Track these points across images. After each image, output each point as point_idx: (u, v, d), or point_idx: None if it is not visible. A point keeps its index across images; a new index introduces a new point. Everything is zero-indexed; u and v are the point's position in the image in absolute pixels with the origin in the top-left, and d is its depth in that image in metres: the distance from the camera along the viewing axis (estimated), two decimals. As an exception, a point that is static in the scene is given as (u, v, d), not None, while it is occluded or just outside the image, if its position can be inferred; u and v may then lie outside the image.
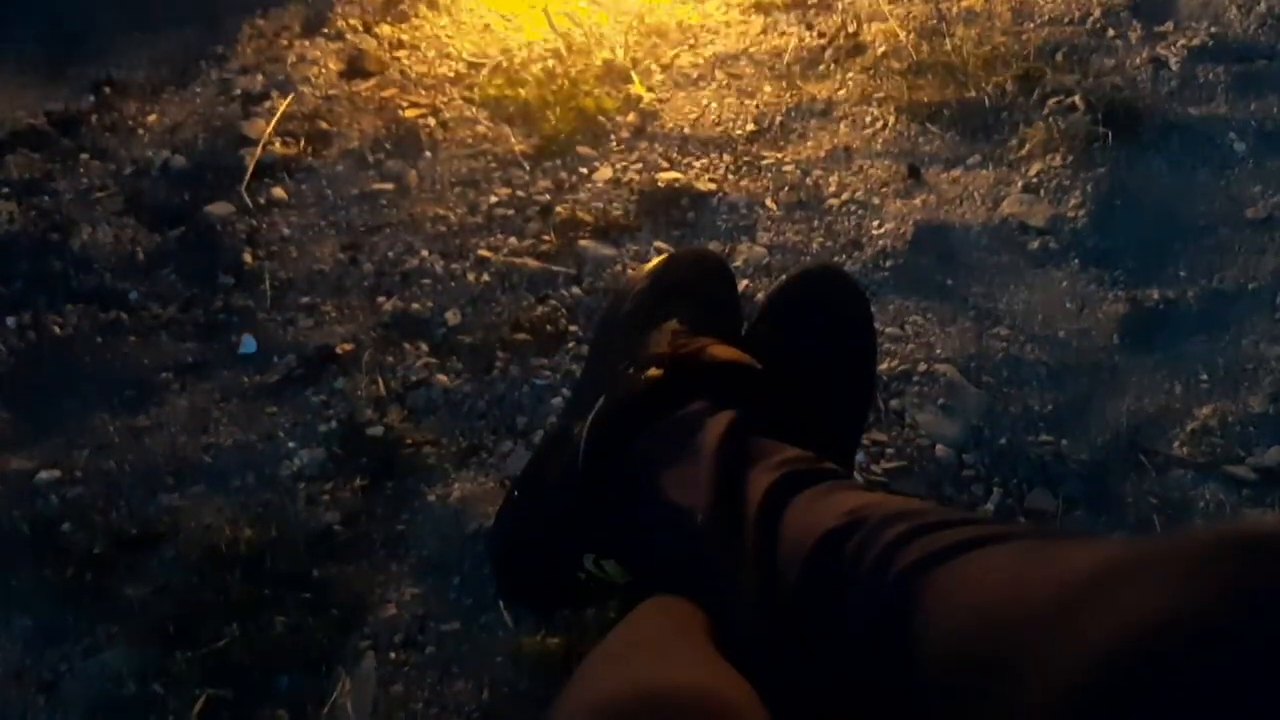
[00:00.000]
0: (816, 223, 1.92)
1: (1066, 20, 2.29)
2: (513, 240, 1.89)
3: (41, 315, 1.78)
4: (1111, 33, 2.25)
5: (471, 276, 1.83)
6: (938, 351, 1.70)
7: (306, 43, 2.30)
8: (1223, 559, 0.63)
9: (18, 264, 1.87)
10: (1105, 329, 1.73)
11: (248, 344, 1.75)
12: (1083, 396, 1.65)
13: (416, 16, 2.38)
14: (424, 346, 1.73)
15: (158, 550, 1.49)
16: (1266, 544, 0.63)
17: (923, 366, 1.67)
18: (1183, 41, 2.20)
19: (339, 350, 1.72)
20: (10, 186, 2.01)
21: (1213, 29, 2.23)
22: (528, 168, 2.03)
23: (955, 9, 2.34)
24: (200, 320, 1.79)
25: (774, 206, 1.95)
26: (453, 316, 1.77)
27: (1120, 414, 1.63)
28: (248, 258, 1.87)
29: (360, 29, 2.34)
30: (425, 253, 1.88)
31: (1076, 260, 1.83)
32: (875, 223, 1.90)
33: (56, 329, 1.77)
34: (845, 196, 1.96)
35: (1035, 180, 1.95)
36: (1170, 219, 1.89)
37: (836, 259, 1.84)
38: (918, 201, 1.94)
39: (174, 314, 1.79)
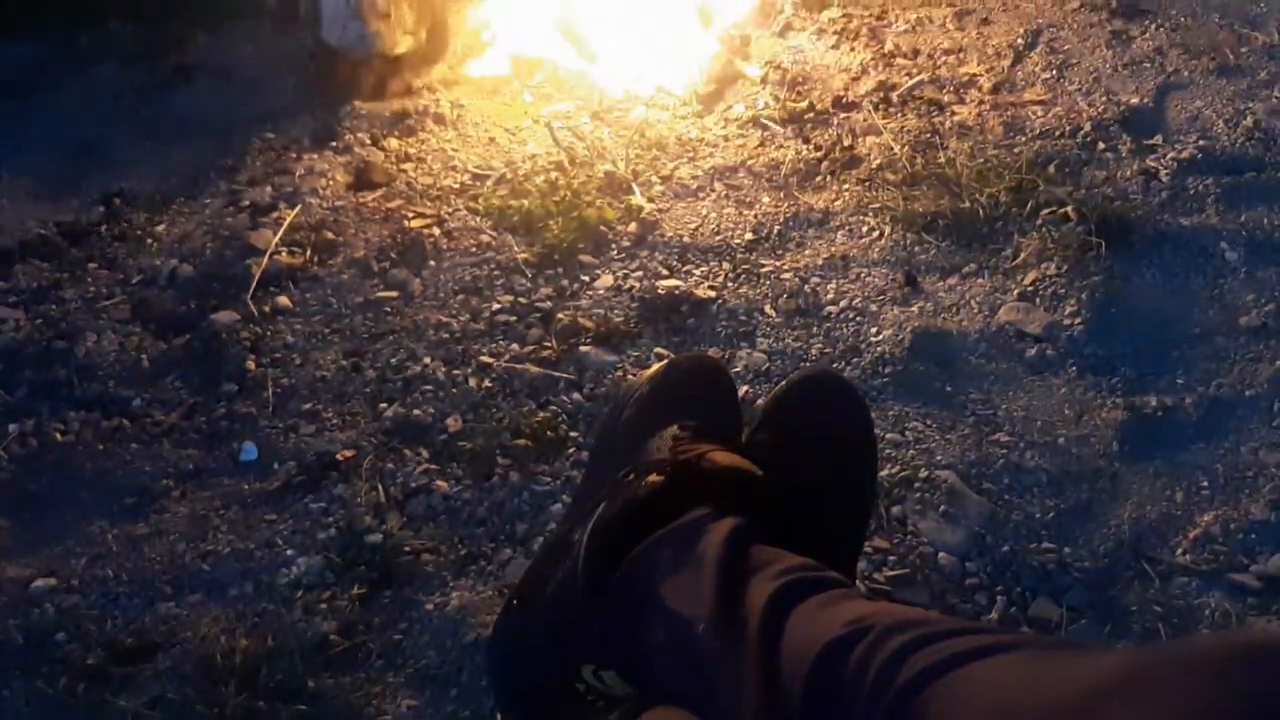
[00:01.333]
0: (815, 329, 1.93)
1: (1058, 134, 2.34)
2: (514, 346, 1.91)
3: (44, 422, 1.79)
4: (1102, 146, 2.30)
5: (473, 382, 1.84)
6: (938, 458, 1.70)
7: (315, 156, 2.35)
8: (1231, 671, 0.62)
9: (22, 371, 1.88)
10: (1105, 435, 1.74)
11: (249, 451, 1.75)
12: (1084, 503, 1.65)
13: (423, 130, 2.44)
14: (424, 453, 1.73)
15: (153, 661, 1.47)
16: (1274, 654, 0.62)
17: (924, 473, 1.67)
18: (1172, 154, 2.25)
19: (340, 457, 1.72)
20: (18, 295, 2.03)
21: (1201, 142, 2.28)
22: (530, 275, 2.06)
23: (948, 123, 2.40)
24: (202, 427, 1.79)
25: (773, 313, 1.97)
26: (454, 422, 1.78)
27: (1122, 521, 1.62)
28: (251, 365, 1.88)
29: (368, 142, 2.40)
30: (427, 359, 1.89)
31: (1074, 367, 1.84)
32: (874, 329, 1.92)
33: (58, 436, 1.77)
34: (843, 304, 1.98)
35: (1031, 288, 1.97)
36: (1166, 327, 1.91)
37: (836, 365, 1.86)
38: (915, 309, 1.96)
39: (176, 421, 1.80)
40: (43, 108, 2.61)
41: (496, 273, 2.07)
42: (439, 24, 2.56)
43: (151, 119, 2.55)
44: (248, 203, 2.22)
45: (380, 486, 1.67)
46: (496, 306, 1.99)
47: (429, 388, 1.84)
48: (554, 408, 1.79)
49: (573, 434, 1.75)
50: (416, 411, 1.80)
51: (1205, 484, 1.67)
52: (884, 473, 1.67)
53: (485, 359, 1.88)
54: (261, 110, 2.52)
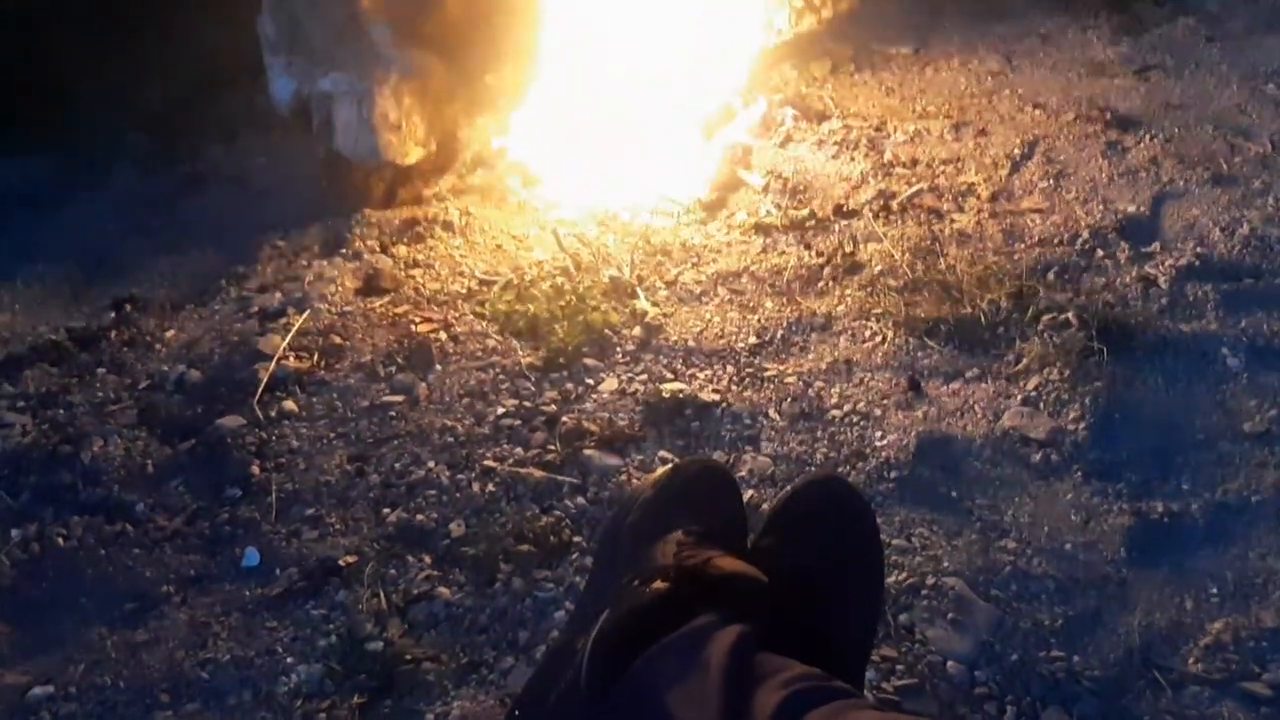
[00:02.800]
0: (820, 433, 1.94)
1: (1056, 241, 2.38)
2: (518, 450, 1.91)
3: (47, 527, 1.79)
4: (1100, 253, 2.33)
5: (477, 487, 1.84)
6: (945, 564, 1.69)
7: (324, 262, 2.39)
8: None
9: (27, 476, 1.88)
10: (1111, 542, 1.73)
11: (251, 557, 1.74)
12: (1092, 611, 1.63)
13: (432, 237, 2.48)
14: (427, 558, 1.72)
15: (147, 772, 1.44)
16: None
17: (931, 580, 1.66)
18: (1170, 261, 2.28)
19: (342, 563, 1.71)
20: (26, 400, 2.05)
21: (1198, 249, 2.31)
22: (535, 379, 2.07)
23: (948, 230, 2.43)
24: (205, 532, 1.79)
25: (777, 417, 1.97)
26: (457, 528, 1.77)
27: (1132, 629, 1.60)
28: (255, 470, 1.88)
29: (377, 249, 2.44)
30: (432, 464, 1.89)
31: (1079, 473, 1.84)
32: (878, 434, 1.93)
33: (60, 541, 1.77)
34: (847, 408, 1.99)
35: (1034, 394, 1.98)
36: (1170, 432, 1.91)
37: (841, 470, 1.85)
38: (919, 413, 1.97)
39: (179, 526, 1.80)
40: (58, 216, 2.66)
41: (501, 377, 2.08)
42: (449, 135, 2.62)
43: (165, 227, 2.59)
44: (257, 308, 2.25)
45: (382, 593, 1.66)
46: (501, 410, 2.00)
47: (432, 492, 1.84)
48: (557, 512, 1.79)
49: (576, 539, 1.75)
50: (420, 516, 1.79)
51: (1215, 591, 1.65)
52: (891, 579, 1.65)
53: (489, 463, 1.88)
54: (273, 218, 2.56)
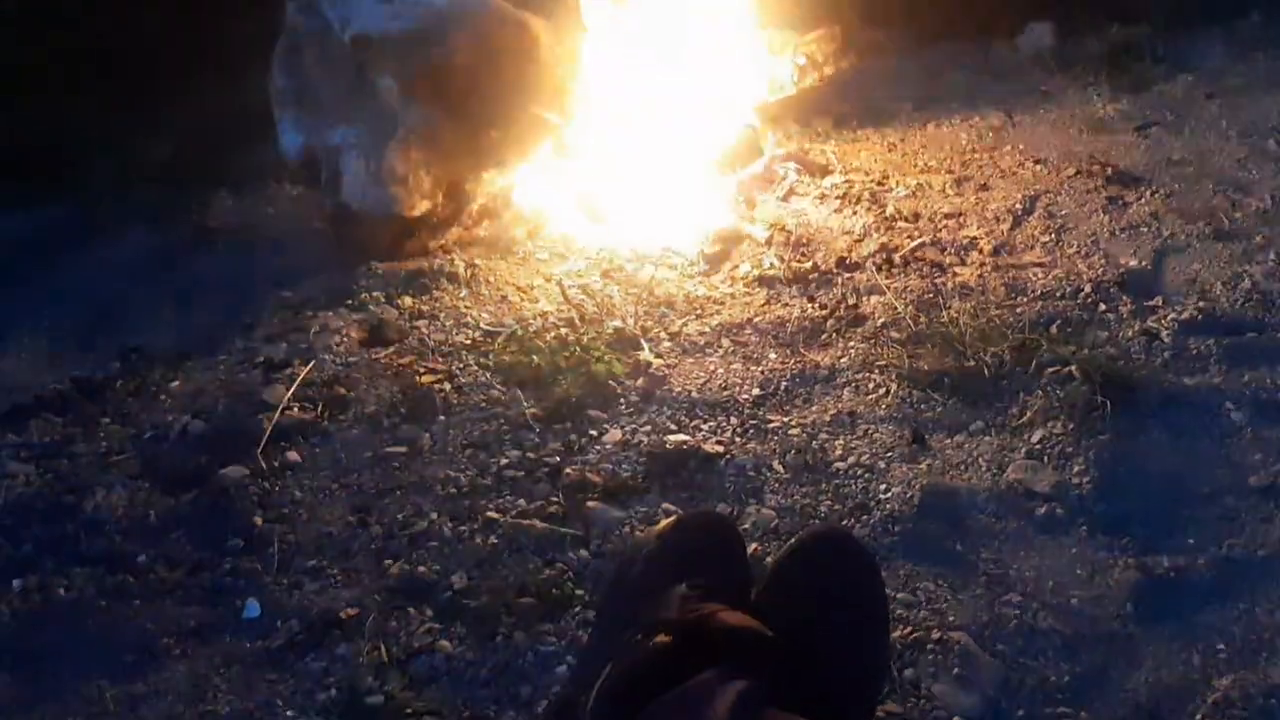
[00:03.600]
0: (824, 486, 1.93)
1: (1059, 295, 2.38)
2: (521, 502, 1.90)
3: (48, 578, 1.78)
4: (1103, 307, 2.33)
5: (479, 539, 1.84)
6: (950, 619, 1.68)
7: (330, 313, 2.40)
8: None
9: (30, 526, 1.88)
10: (1118, 597, 1.71)
11: (252, 608, 1.73)
12: (1099, 667, 1.61)
13: (438, 289, 2.50)
14: (429, 611, 1.71)
15: (143, 828, 1.42)
16: None
17: (936, 634, 1.64)
18: (1172, 315, 2.28)
19: (343, 615, 1.70)
20: (30, 450, 2.05)
21: (1200, 303, 2.31)
22: (538, 430, 2.07)
23: (950, 284, 2.44)
24: (206, 584, 1.78)
25: (781, 469, 1.97)
26: (459, 580, 1.76)
27: (1139, 685, 1.58)
28: (258, 520, 1.88)
29: (383, 300, 2.45)
30: (434, 515, 1.89)
31: (1084, 527, 1.83)
32: (882, 487, 1.92)
33: (62, 591, 1.76)
34: (851, 460, 1.98)
35: (1038, 447, 1.97)
36: (1175, 486, 1.90)
37: (845, 523, 1.85)
38: (923, 466, 1.96)
39: (181, 577, 1.79)
40: (66, 267, 2.68)
41: (505, 428, 2.08)
42: (455, 188, 2.65)
43: (172, 278, 2.61)
44: (262, 359, 2.26)
45: (383, 646, 1.65)
46: (504, 461, 1.99)
47: (435, 544, 1.83)
48: (560, 565, 1.78)
49: (579, 592, 1.73)
50: (422, 568, 1.78)
51: (1222, 647, 1.63)
52: (896, 634, 1.64)
53: (492, 515, 1.88)
54: (280, 270, 2.58)
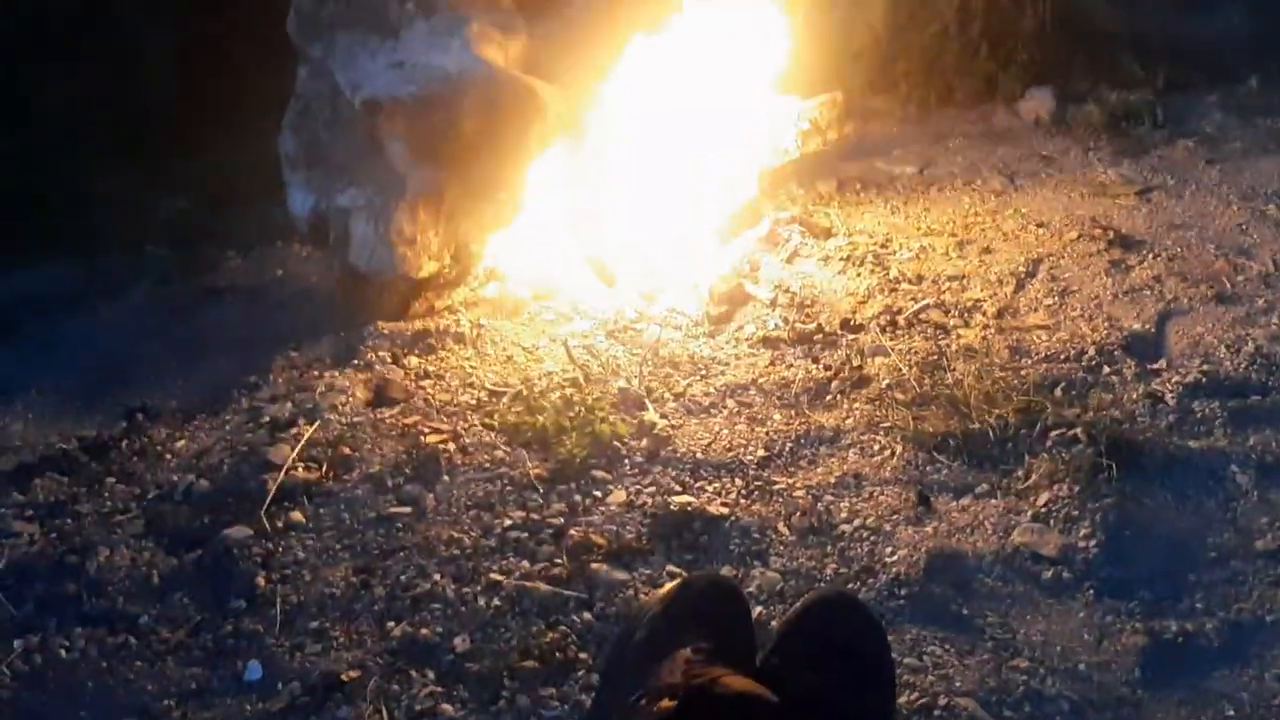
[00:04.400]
0: (829, 548, 1.93)
1: (1063, 357, 2.39)
2: (525, 564, 1.90)
3: (50, 638, 1.77)
4: (1107, 370, 2.34)
5: (482, 601, 1.83)
6: (957, 684, 1.66)
7: (336, 373, 2.41)
8: None
9: (33, 586, 1.88)
10: (1126, 662, 1.70)
11: (253, 670, 1.72)
12: (1110, 734, 1.60)
13: (443, 349, 2.51)
14: (431, 674, 1.70)
15: None
16: None
17: (943, 700, 1.63)
18: (1176, 378, 2.29)
19: (345, 677, 1.69)
20: (35, 509, 2.05)
21: (1204, 367, 2.32)
22: (542, 491, 2.07)
23: (954, 346, 2.45)
24: (208, 645, 1.77)
25: (786, 531, 1.96)
26: (461, 643, 1.75)
27: (1150, 753, 1.56)
28: (261, 581, 1.87)
29: (389, 360, 2.46)
30: (437, 576, 1.88)
31: (1091, 590, 1.82)
32: (888, 549, 1.91)
33: (63, 652, 1.75)
34: (857, 523, 1.98)
35: (1044, 510, 1.97)
36: (1181, 550, 1.89)
37: (850, 586, 1.84)
38: (929, 529, 1.96)
39: (182, 638, 1.78)
40: (74, 326, 2.70)
41: (509, 488, 2.08)
42: (462, 248, 2.67)
43: (180, 337, 2.63)
44: (268, 419, 2.26)
45: (384, 710, 1.63)
46: (508, 522, 1.99)
47: (438, 606, 1.82)
48: (563, 627, 1.77)
49: (582, 655, 1.72)
50: (424, 631, 1.77)
51: (1231, 713, 1.62)
52: (902, 699, 1.62)
53: (495, 576, 1.87)
54: (288, 329, 2.60)
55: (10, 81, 3.40)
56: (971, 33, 3.77)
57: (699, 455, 2.16)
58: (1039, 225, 2.96)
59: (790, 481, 2.09)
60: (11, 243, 2.97)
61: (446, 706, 1.64)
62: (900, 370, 2.36)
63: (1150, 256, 2.77)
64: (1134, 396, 2.25)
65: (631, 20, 2.76)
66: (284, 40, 2.63)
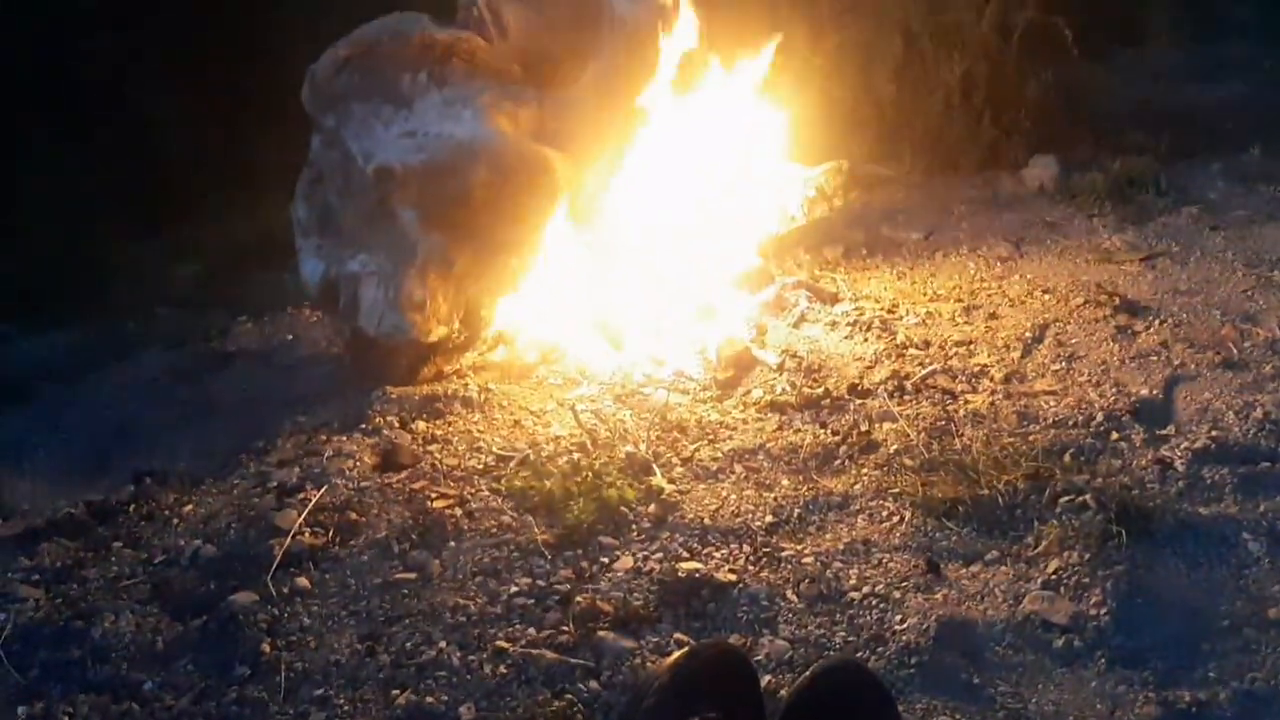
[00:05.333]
0: (839, 616, 1.91)
1: (1070, 423, 2.39)
2: (531, 631, 1.88)
3: (54, 705, 1.76)
4: (1115, 435, 2.33)
5: (488, 669, 1.81)
6: (969, 755, 1.64)
7: (344, 438, 2.41)
8: None
9: (37, 651, 1.87)
10: (1140, 733, 1.67)
11: (257, 738, 1.71)
12: (1125, 807, 1.57)
13: (451, 413, 2.51)
14: (437, 743, 1.68)
15: None
16: None
17: (954, 771, 1.61)
18: (1185, 444, 2.28)
19: (349, 747, 1.67)
20: (41, 574, 2.05)
21: (1213, 432, 2.31)
22: (549, 557, 2.06)
23: (962, 411, 2.45)
24: (212, 712, 1.75)
25: (795, 599, 1.95)
26: (467, 712, 1.73)
27: (1167, 827, 1.54)
28: (266, 648, 1.86)
29: (397, 425, 2.47)
30: (443, 643, 1.87)
31: (1103, 659, 1.80)
32: (898, 617, 1.90)
33: (67, 719, 1.74)
34: (866, 590, 1.96)
35: (1054, 577, 1.95)
36: (1194, 618, 1.88)
37: (860, 655, 1.82)
38: (939, 596, 1.94)
39: (186, 706, 1.76)
40: (84, 391, 2.72)
41: (516, 554, 2.07)
42: (471, 313, 2.69)
43: (189, 402, 2.64)
44: (275, 483, 2.26)
45: (389, 779, 1.62)
46: (515, 589, 1.98)
47: (443, 674, 1.81)
48: (570, 696, 1.75)
49: (589, 725, 1.70)
50: (429, 699, 1.76)
51: (1249, 786, 1.59)
52: (913, 770, 1.60)
53: (501, 644, 1.86)
54: (296, 394, 2.61)
55: (27, 151, 3.46)
56: (975, 101, 3.82)
57: (707, 521, 2.15)
58: (1045, 291, 2.97)
59: (799, 548, 2.07)
60: (27, 310, 3.00)
61: (451, 776, 1.62)
62: (908, 435, 2.36)
63: (1157, 322, 2.78)
64: (1143, 462, 2.24)
65: (640, 91, 2.81)
66: (297, 110, 2.67)
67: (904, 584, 1.97)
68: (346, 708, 1.75)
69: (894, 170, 3.80)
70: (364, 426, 2.45)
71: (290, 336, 2.91)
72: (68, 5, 3.72)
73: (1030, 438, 2.33)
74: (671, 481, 2.27)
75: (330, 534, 2.13)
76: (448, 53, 2.62)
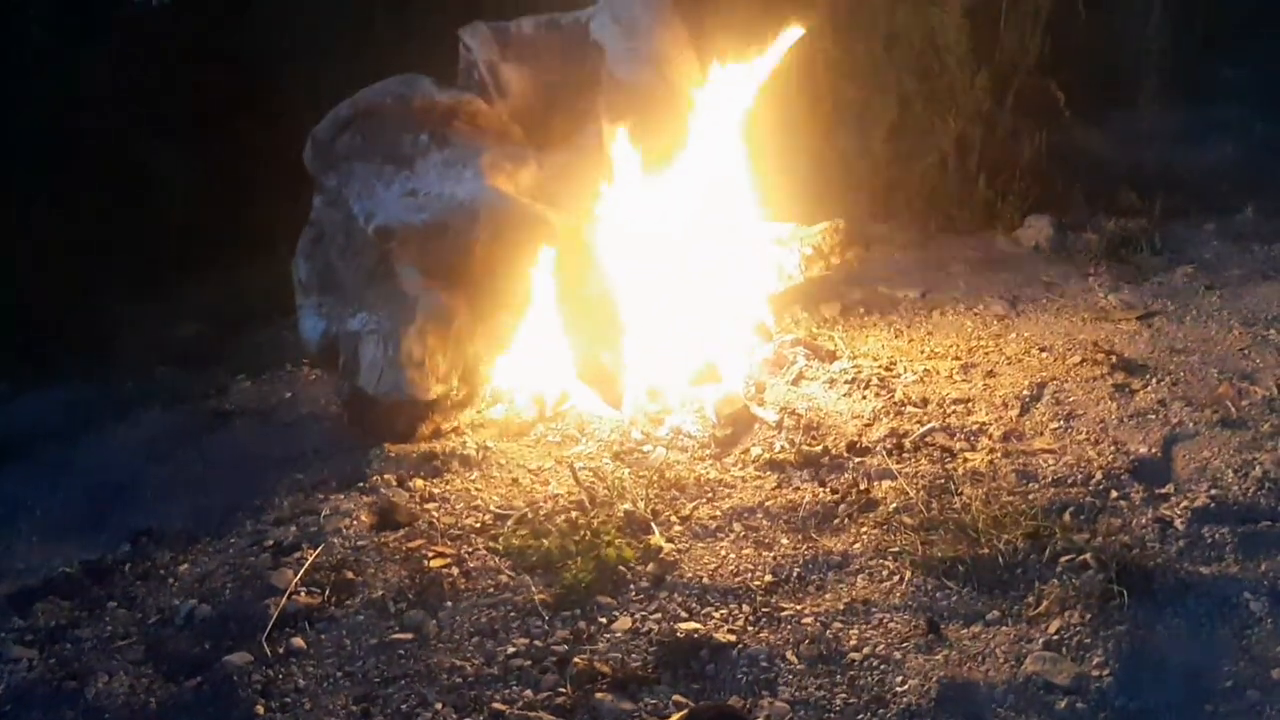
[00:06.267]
0: (839, 677, 1.89)
1: (1070, 481, 2.38)
2: (528, 693, 1.86)
3: (43, 769, 1.74)
4: (1115, 494, 2.33)
5: (485, 731, 1.79)
6: (972, 820, 1.61)
7: (342, 496, 2.41)
8: None
9: (30, 712, 1.84)
10: (1146, 797, 1.65)
11: (250, 802, 1.68)
12: None
13: (449, 471, 2.51)
14: (431, 809, 1.66)
15: None
16: None
17: (957, 837, 1.58)
18: (1185, 503, 2.27)
19: (343, 810, 1.65)
20: (35, 634, 2.03)
21: (1213, 491, 2.31)
22: (546, 617, 2.04)
23: (961, 470, 2.45)
24: (203, 777, 1.73)
25: (795, 659, 1.93)
26: (464, 775, 1.71)
27: None
28: (260, 709, 1.84)
29: (394, 483, 2.46)
30: (439, 705, 1.84)
31: (1106, 722, 1.78)
32: (899, 679, 1.88)
33: (56, 784, 1.72)
34: (866, 650, 1.95)
35: (1056, 638, 1.94)
36: (1196, 680, 1.86)
37: (861, 716, 1.80)
38: (939, 657, 1.92)
39: (178, 768, 1.75)
40: (83, 449, 2.71)
41: (513, 614, 2.06)
42: (470, 371, 2.69)
43: (187, 460, 2.63)
44: (272, 542, 2.25)
45: (384, 844, 1.59)
46: (512, 650, 1.96)
47: (440, 736, 1.79)
48: (568, 759, 1.73)
49: (587, 788, 1.68)
50: (426, 761, 1.74)
51: None
52: (915, 836, 1.58)
53: (498, 705, 1.84)
54: (295, 452, 2.61)
55: (28, 208, 3.49)
56: (970, 163, 3.87)
57: (706, 580, 2.14)
58: (1042, 349, 2.98)
59: (798, 608, 2.06)
60: (26, 368, 3.01)
61: (447, 842, 1.60)
62: (907, 494, 2.36)
63: (1154, 380, 2.78)
64: (1143, 521, 2.23)
65: (639, 149, 2.84)
66: (297, 170, 2.70)
67: (904, 644, 1.96)
68: (341, 771, 1.73)
69: (891, 230, 3.83)
70: (362, 485, 2.45)
71: (289, 394, 2.91)
72: (72, 64, 3.77)
73: (1030, 496, 2.33)
74: (670, 540, 2.26)
75: (326, 593, 2.11)
76: (449, 114, 2.66)
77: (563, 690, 1.86)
